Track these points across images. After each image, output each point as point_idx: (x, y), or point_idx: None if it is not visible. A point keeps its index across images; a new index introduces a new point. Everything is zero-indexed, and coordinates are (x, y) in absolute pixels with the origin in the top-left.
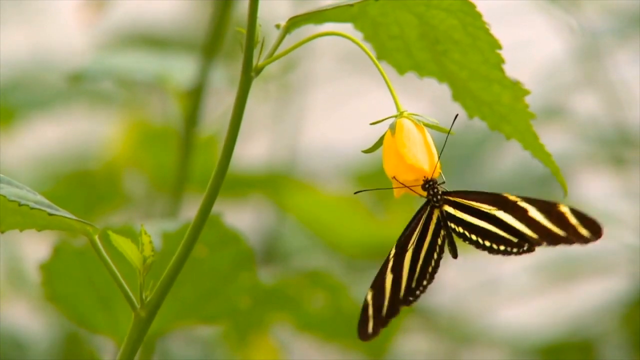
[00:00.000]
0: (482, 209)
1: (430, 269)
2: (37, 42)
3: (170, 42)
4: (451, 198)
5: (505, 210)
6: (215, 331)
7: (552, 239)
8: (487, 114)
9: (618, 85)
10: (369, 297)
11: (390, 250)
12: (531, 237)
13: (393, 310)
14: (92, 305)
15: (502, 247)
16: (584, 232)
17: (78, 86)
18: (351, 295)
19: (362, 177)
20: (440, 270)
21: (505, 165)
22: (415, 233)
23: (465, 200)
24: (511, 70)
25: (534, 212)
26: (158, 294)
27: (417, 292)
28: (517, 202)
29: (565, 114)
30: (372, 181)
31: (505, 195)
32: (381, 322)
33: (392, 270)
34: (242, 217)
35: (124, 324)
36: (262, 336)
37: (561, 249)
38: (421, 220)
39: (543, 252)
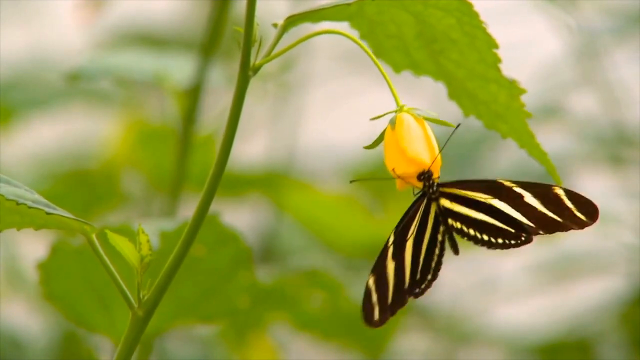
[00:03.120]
0: (478, 199)
1: (433, 264)
2: (35, 42)
3: (168, 41)
4: (447, 190)
5: (501, 198)
6: (213, 330)
7: (549, 226)
8: (483, 113)
9: (616, 85)
10: (371, 282)
11: (388, 238)
12: (528, 226)
13: (399, 299)
14: (90, 305)
15: (500, 240)
16: (579, 215)
17: (76, 85)
18: (349, 294)
19: (360, 175)
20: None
21: (502, 164)
22: (414, 224)
23: (460, 191)
24: (509, 69)
25: (529, 198)
26: (155, 293)
27: (423, 286)
28: (512, 187)
29: (563, 113)
30: (369, 180)
31: (500, 181)
32: (389, 309)
33: (394, 258)
34: (240, 217)
35: (122, 323)
36: (260, 335)
37: (560, 248)
38: (418, 212)
39: (542, 251)
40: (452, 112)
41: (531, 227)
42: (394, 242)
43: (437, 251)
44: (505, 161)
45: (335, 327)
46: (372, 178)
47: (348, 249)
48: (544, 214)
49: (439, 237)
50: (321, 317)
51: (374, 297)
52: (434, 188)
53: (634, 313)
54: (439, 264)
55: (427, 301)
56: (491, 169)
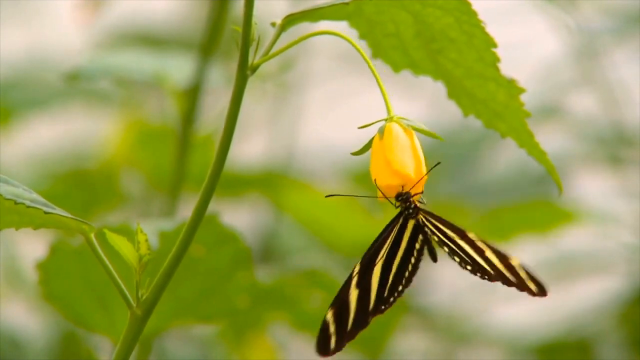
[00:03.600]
0: (448, 235)
1: (407, 274)
2: (34, 42)
3: (167, 41)
4: (422, 213)
5: (467, 243)
6: (213, 330)
7: (505, 281)
8: (482, 112)
9: (615, 85)
10: (329, 316)
11: (354, 269)
12: (489, 272)
13: (361, 323)
14: (89, 304)
15: (469, 267)
16: (532, 286)
17: (75, 85)
18: None
19: (359, 176)
20: (436, 268)
21: (502, 164)
22: (385, 246)
23: (434, 221)
24: (508, 69)
25: (489, 254)
26: (154, 292)
27: (391, 299)
28: (475, 241)
29: (562, 113)
30: (368, 180)
31: (467, 232)
32: (346, 336)
33: (358, 286)
34: (239, 217)
35: (121, 322)
36: (260, 335)
37: (559, 247)
38: (392, 233)
39: (540, 251)
40: (451, 111)
41: (492, 274)
42: (359, 272)
43: (412, 260)
44: (504, 161)
45: None
46: (348, 194)
47: (347, 248)
48: (501, 270)
49: (417, 246)
50: (320, 317)
51: (332, 329)
52: (411, 210)
53: (633, 313)
54: (415, 270)
55: (427, 301)
56: (490, 169)
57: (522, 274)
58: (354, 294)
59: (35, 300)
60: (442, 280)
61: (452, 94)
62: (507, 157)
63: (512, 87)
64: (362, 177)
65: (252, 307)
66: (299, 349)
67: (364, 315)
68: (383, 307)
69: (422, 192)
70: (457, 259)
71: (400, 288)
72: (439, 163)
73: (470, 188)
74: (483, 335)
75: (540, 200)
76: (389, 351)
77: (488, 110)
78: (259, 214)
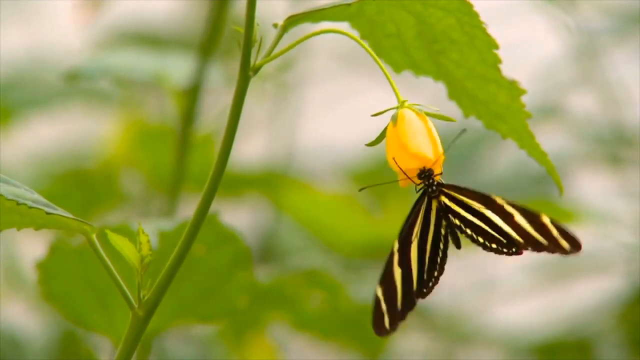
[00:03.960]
0: (473, 206)
1: (439, 259)
2: (34, 41)
3: (167, 41)
4: (445, 190)
5: (494, 211)
6: (212, 330)
7: (536, 246)
8: (483, 113)
9: (615, 85)
10: (380, 293)
11: (393, 245)
12: (518, 241)
13: (409, 303)
14: (89, 304)
15: (494, 245)
16: (564, 244)
17: (75, 85)
18: (348, 294)
19: (359, 175)
20: None
21: (502, 164)
22: (417, 224)
23: (458, 195)
24: (508, 69)
25: (519, 218)
26: (156, 293)
27: (430, 284)
28: (503, 205)
29: (562, 113)
30: (369, 180)
31: (493, 197)
32: (398, 316)
33: (400, 264)
34: (239, 216)
35: (121, 323)
36: (259, 335)
37: None
38: (421, 211)
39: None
40: (451, 112)
41: (520, 242)
42: (399, 249)
43: (441, 246)
44: (504, 161)
45: (335, 327)
46: (377, 184)
47: (347, 248)
48: (532, 234)
49: (442, 231)
50: (320, 317)
51: (384, 307)
52: (434, 187)
53: (633, 313)
54: (444, 257)
55: (427, 301)
56: (490, 169)
57: (554, 232)
58: (397, 272)
59: (35, 300)
60: (442, 279)
61: (453, 95)
62: (507, 157)
63: (513, 89)
64: (362, 177)
65: (252, 307)
66: (298, 348)
67: (410, 296)
68: (425, 290)
69: (441, 173)
70: (481, 239)
71: (435, 274)
72: (464, 130)
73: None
74: (483, 335)
75: (540, 200)
76: (388, 351)
77: (489, 111)
78: (258, 214)
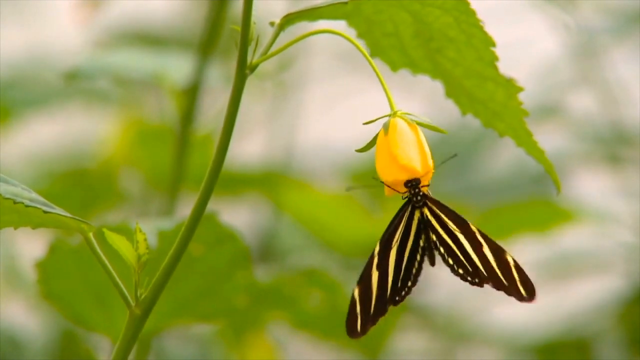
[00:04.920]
0: (449, 226)
1: (414, 270)
2: (33, 41)
3: (166, 41)
4: (429, 203)
5: (466, 237)
6: (211, 329)
7: (497, 283)
8: (480, 111)
9: (614, 84)
10: (356, 294)
11: (375, 247)
12: (482, 273)
13: (381, 309)
14: (88, 303)
15: (460, 271)
16: (521, 289)
17: (74, 84)
18: (347, 293)
19: (358, 175)
20: (436, 268)
21: (501, 163)
22: (399, 231)
23: (438, 211)
24: (507, 68)
25: (486, 250)
26: (153, 292)
27: (403, 293)
28: (475, 233)
29: (561, 112)
30: (368, 179)
31: (469, 222)
32: (370, 320)
33: (378, 268)
34: (238, 216)
35: (121, 322)
36: (258, 334)
37: (558, 247)
38: (403, 219)
39: (539, 250)
40: (448, 110)
41: (483, 275)
42: (379, 252)
43: (418, 257)
44: (503, 160)
45: (334, 326)
46: (366, 186)
47: (346, 248)
48: (494, 270)
49: (421, 243)
50: (319, 317)
51: (358, 308)
52: (419, 197)
53: (632, 312)
54: (419, 270)
55: (425, 300)
56: (489, 168)
57: (514, 274)
58: (375, 275)
59: (34, 299)
60: (441, 279)
61: (450, 93)
62: (505, 156)
63: (510, 87)
64: (362, 176)
65: (251, 306)
66: (297, 348)
67: (382, 302)
68: (397, 298)
69: (428, 185)
70: (451, 261)
71: (409, 284)
72: (454, 155)
73: (469, 187)
74: (482, 334)
75: (539, 199)
76: (388, 350)
77: (486, 109)
78: (258, 213)
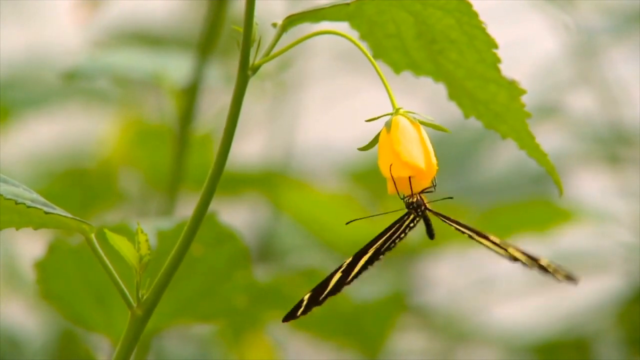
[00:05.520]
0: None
1: (374, 263)
2: (33, 41)
3: (166, 40)
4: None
5: (488, 240)
6: (211, 329)
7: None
8: (482, 113)
9: (613, 84)
10: (306, 297)
11: (344, 263)
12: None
13: (334, 292)
14: (88, 304)
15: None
16: (560, 277)
17: (73, 84)
18: (347, 293)
19: (358, 175)
20: (435, 267)
21: (501, 164)
22: (382, 241)
23: (446, 221)
24: (507, 68)
25: (512, 250)
26: (154, 293)
27: (356, 279)
28: (500, 243)
29: (561, 112)
30: (367, 179)
31: (489, 234)
32: (317, 303)
33: (343, 272)
34: (237, 216)
35: (120, 322)
36: (258, 334)
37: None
38: (392, 230)
39: (539, 250)
40: (449, 110)
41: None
42: (349, 264)
43: (381, 257)
44: (503, 160)
45: (333, 326)
46: (368, 217)
47: (346, 248)
48: (523, 261)
49: (397, 241)
50: (318, 317)
51: (304, 304)
52: (420, 211)
53: (631, 312)
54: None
55: (425, 300)
56: (489, 169)
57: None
58: (336, 278)
59: (33, 299)
60: (440, 279)
61: (452, 95)
62: (505, 156)
63: (513, 89)
64: (361, 176)
65: (251, 306)
66: (297, 348)
67: (338, 288)
68: (350, 281)
69: (433, 185)
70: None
71: (363, 272)
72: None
73: (469, 187)
74: (481, 334)
75: (539, 199)
76: (387, 350)
77: (489, 111)
78: (257, 213)
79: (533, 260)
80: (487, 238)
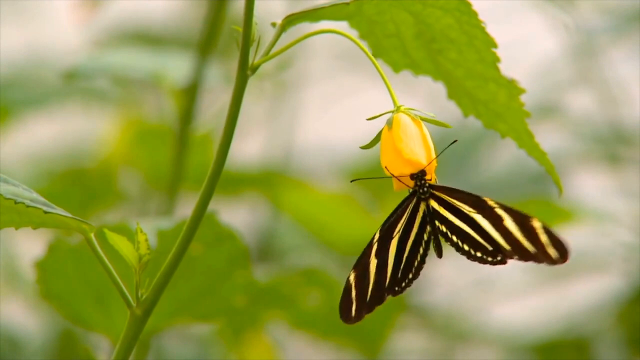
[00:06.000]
0: (463, 210)
1: (416, 263)
2: (32, 40)
3: (165, 40)
4: (437, 192)
5: (484, 215)
6: (210, 329)
7: (523, 254)
8: (482, 113)
9: (613, 83)
10: (352, 278)
11: (374, 235)
12: (504, 248)
13: (378, 297)
14: (87, 303)
15: (478, 254)
16: (551, 251)
17: (73, 84)
18: None
19: (357, 174)
20: (435, 267)
21: (500, 163)
22: (401, 222)
23: (449, 198)
24: (506, 68)
25: (508, 222)
26: (154, 292)
27: (403, 284)
28: (494, 208)
29: (560, 111)
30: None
31: (485, 199)
32: (365, 307)
33: (377, 255)
34: (237, 215)
35: (119, 321)
36: (257, 334)
37: None
38: (407, 211)
39: None
40: (448, 109)
41: (507, 249)
42: (379, 240)
43: (421, 250)
44: (503, 160)
45: (333, 325)
46: (370, 177)
47: (345, 247)
48: (519, 240)
49: (425, 237)
50: (318, 316)
51: (353, 293)
52: (425, 188)
53: (631, 312)
54: (422, 263)
55: (424, 300)
56: (489, 168)
57: (543, 238)
58: (373, 262)
59: (33, 298)
60: (440, 279)
61: (452, 95)
62: (505, 155)
63: (512, 88)
64: (360, 176)
65: (250, 305)
66: (296, 347)
67: (380, 291)
68: (396, 288)
69: (434, 179)
70: (466, 246)
71: (410, 276)
72: (455, 141)
73: (469, 187)
74: (481, 334)
75: (538, 198)
76: (387, 350)
77: (488, 111)
78: (256, 213)
79: (524, 218)
80: (485, 204)
